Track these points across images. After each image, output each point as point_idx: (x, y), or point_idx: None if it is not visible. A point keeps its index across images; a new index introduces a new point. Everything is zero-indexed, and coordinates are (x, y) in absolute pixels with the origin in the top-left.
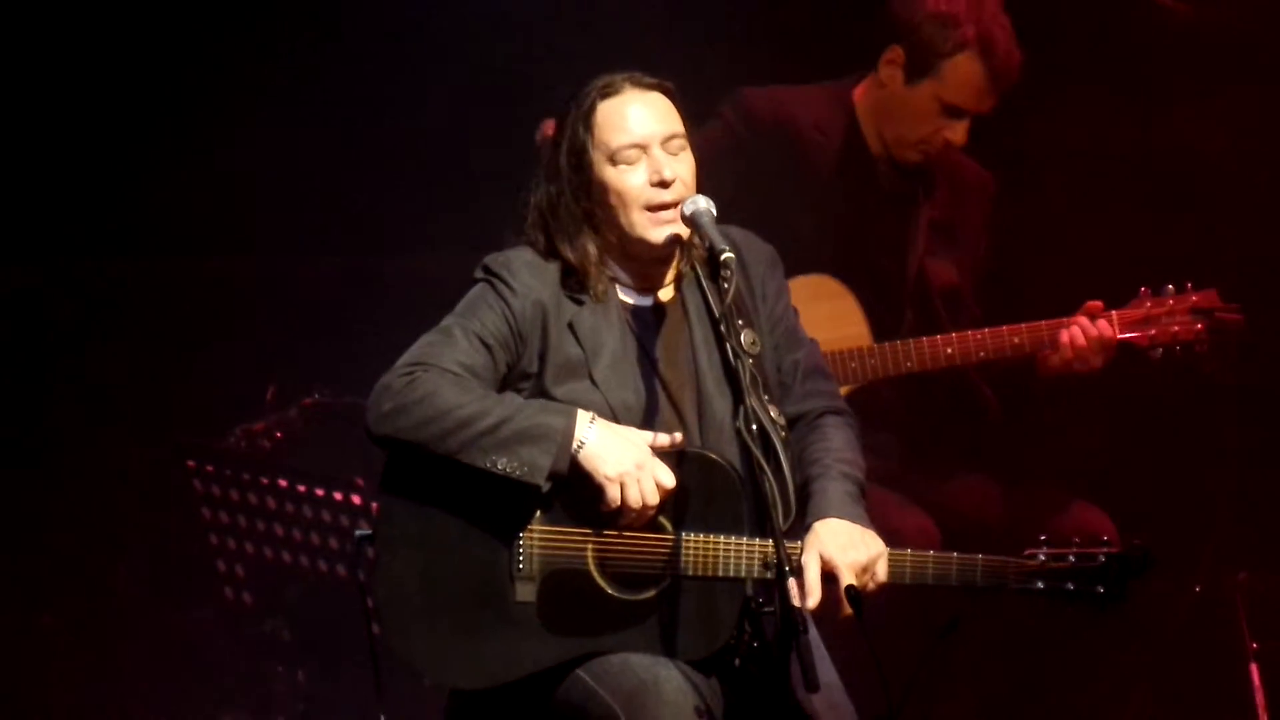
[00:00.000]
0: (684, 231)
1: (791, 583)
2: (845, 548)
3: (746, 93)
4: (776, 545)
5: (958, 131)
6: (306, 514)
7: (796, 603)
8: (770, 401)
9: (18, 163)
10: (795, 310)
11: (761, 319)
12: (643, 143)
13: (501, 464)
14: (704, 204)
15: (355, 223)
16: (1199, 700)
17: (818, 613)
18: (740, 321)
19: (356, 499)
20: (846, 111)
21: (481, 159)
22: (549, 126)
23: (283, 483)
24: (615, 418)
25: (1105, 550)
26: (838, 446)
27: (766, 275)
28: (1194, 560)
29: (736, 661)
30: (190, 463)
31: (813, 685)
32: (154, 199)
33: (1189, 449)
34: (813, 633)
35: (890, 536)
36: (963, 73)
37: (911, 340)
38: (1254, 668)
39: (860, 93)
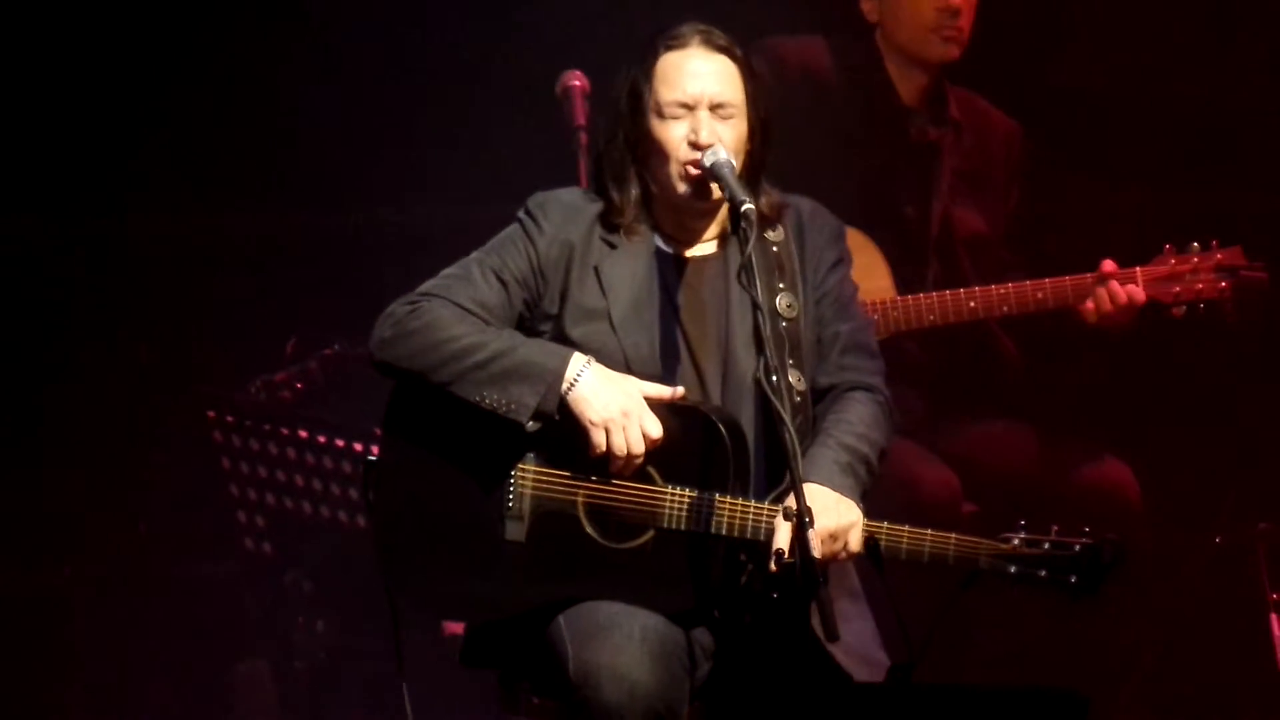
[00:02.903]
0: (714, 184)
1: (812, 533)
2: (816, 513)
3: (774, 43)
4: (797, 496)
5: (964, 18)
6: (327, 465)
7: (816, 554)
8: (795, 367)
9: (42, 118)
10: (856, 286)
11: (809, 286)
12: (691, 103)
13: (490, 399)
14: (724, 155)
15: (377, 174)
16: (1218, 650)
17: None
18: (781, 284)
19: (376, 450)
20: (873, 61)
21: (507, 109)
22: (569, 77)
23: (303, 434)
24: (627, 363)
25: (1082, 540)
26: (851, 419)
27: (827, 246)
28: (1214, 511)
29: (716, 613)
30: (210, 414)
31: (832, 635)
32: (177, 154)
33: (1209, 399)
34: (861, 605)
35: (910, 488)
36: None
37: (935, 293)
38: (1274, 618)
39: (880, 40)
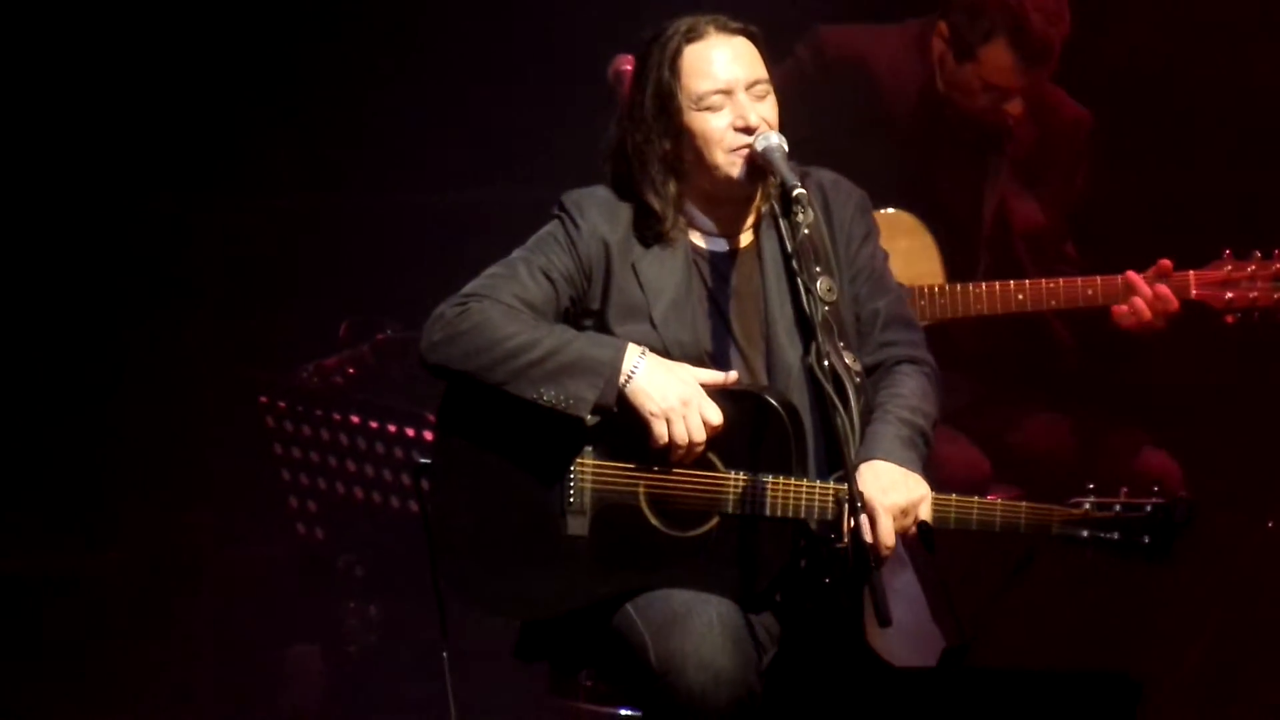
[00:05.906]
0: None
1: (864, 519)
2: (885, 489)
3: (822, 30)
4: (849, 481)
5: (1012, 105)
6: (378, 450)
7: (868, 539)
8: (846, 349)
9: (99, 104)
10: (885, 254)
11: (842, 265)
12: (728, 88)
13: (548, 395)
14: (775, 140)
15: (429, 158)
16: (1270, 636)
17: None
18: (817, 268)
19: (428, 435)
20: (923, 53)
21: (557, 94)
22: (621, 62)
23: (355, 419)
24: (669, 359)
25: (1152, 501)
26: (904, 393)
27: (854, 220)
28: (1266, 496)
29: (778, 598)
30: (263, 398)
31: (885, 620)
32: (233, 138)
33: (1261, 384)
34: (908, 574)
35: (935, 467)
36: (996, 59)
37: (984, 283)
38: None
39: (935, 41)
